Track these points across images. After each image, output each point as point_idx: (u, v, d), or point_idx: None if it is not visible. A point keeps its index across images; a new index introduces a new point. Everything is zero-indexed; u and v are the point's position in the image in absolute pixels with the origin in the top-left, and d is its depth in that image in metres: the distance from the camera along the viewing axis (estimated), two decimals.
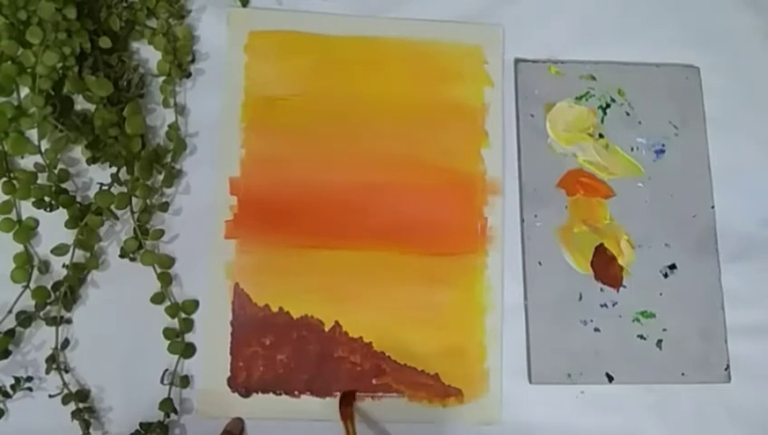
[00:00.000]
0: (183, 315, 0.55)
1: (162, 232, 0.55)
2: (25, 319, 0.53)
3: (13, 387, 0.52)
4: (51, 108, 0.53)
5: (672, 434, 0.56)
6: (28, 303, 0.53)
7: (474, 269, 0.57)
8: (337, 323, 0.56)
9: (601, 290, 0.57)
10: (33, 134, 0.54)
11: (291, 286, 0.56)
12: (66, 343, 0.54)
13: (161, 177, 0.56)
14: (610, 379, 0.56)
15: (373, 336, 0.55)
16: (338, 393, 0.54)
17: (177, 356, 0.54)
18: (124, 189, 0.55)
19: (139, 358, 0.54)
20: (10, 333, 0.52)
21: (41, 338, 0.54)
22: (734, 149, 0.61)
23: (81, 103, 0.56)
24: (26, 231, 0.54)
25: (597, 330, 0.57)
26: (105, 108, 0.54)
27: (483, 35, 0.62)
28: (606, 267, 0.58)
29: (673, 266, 0.58)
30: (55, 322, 0.53)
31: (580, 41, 0.62)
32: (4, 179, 0.54)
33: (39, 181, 0.54)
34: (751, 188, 0.61)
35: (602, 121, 0.61)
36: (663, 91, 0.62)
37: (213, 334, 0.55)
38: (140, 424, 0.52)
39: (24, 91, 0.54)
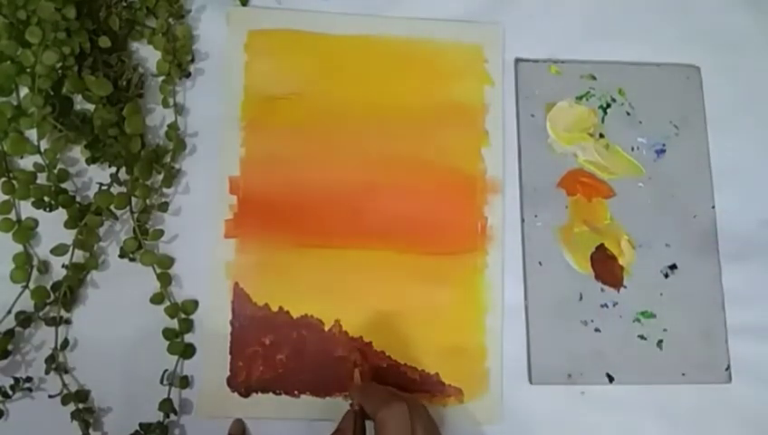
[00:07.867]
0: (183, 315, 0.54)
1: (162, 232, 0.55)
2: (25, 319, 0.53)
3: (12, 387, 0.51)
4: (50, 108, 0.53)
5: (672, 434, 0.56)
6: (28, 303, 0.53)
7: (474, 269, 0.57)
8: (337, 322, 0.55)
9: (602, 290, 0.57)
10: (32, 134, 0.54)
11: (291, 286, 0.56)
12: (66, 343, 0.53)
13: (161, 177, 0.56)
14: (611, 379, 0.56)
15: (373, 336, 0.55)
16: (338, 393, 0.54)
17: (176, 356, 0.54)
18: (124, 189, 0.54)
19: (139, 358, 0.54)
20: (9, 334, 0.52)
21: (40, 338, 0.54)
22: (735, 149, 0.61)
23: (80, 103, 0.56)
24: (26, 231, 0.54)
25: (597, 330, 0.57)
26: (105, 108, 0.54)
27: (483, 35, 0.62)
28: (606, 267, 0.58)
29: (673, 267, 0.58)
30: (55, 322, 0.53)
31: (580, 41, 0.62)
32: (4, 179, 0.54)
33: (38, 181, 0.54)
34: (751, 188, 0.61)
35: (603, 121, 0.61)
36: (664, 90, 0.61)
37: (212, 334, 0.55)
38: (140, 424, 0.52)
39: (24, 90, 0.54)
